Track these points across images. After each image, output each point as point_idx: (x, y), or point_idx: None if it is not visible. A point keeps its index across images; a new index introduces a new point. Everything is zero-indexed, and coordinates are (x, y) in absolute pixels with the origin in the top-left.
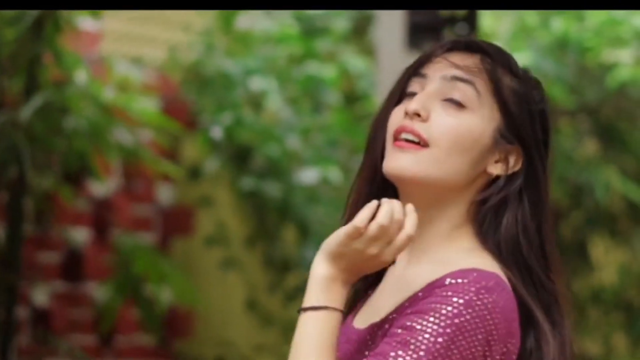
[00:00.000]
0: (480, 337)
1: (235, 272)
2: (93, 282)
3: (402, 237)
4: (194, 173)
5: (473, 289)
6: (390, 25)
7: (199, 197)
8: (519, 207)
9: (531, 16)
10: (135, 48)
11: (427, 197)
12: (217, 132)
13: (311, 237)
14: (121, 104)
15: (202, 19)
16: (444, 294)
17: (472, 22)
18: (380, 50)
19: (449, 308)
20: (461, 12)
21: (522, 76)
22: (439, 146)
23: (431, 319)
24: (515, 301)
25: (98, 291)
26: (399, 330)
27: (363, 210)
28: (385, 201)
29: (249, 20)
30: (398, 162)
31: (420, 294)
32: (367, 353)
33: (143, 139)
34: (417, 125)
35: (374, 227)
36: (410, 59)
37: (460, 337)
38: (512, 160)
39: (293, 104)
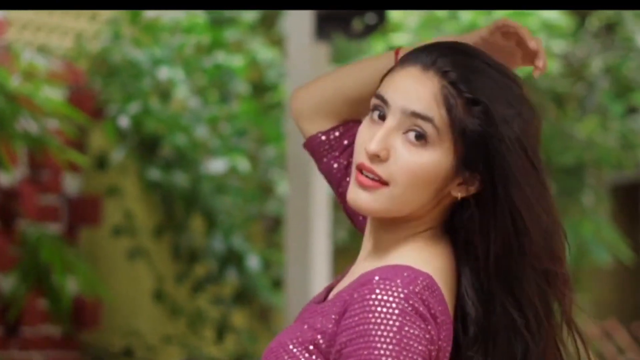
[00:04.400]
0: (421, 335)
1: (143, 262)
2: None
3: None
4: (101, 163)
5: (403, 294)
6: (299, 16)
7: (106, 186)
8: (479, 230)
9: None
10: (41, 36)
11: (391, 219)
12: (124, 122)
13: (219, 227)
14: (27, 92)
15: None
16: (370, 298)
17: (380, 12)
18: (289, 40)
19: (390, 322)
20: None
21: (488, 96)
22: (397, 184)
23: (376, 336)
24: (445, 303)
25: (3, 281)
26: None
27: None
28: None
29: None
30: (358, 198)
31: (351, 288)
32: (305, 327)
33: (49, 128)
34: (376, 167)
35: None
36: (319, 49)
37: (411, 343)
38: (471, 185)
39: (201, 94)
